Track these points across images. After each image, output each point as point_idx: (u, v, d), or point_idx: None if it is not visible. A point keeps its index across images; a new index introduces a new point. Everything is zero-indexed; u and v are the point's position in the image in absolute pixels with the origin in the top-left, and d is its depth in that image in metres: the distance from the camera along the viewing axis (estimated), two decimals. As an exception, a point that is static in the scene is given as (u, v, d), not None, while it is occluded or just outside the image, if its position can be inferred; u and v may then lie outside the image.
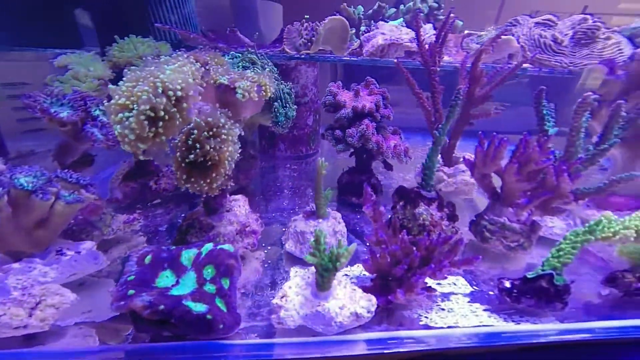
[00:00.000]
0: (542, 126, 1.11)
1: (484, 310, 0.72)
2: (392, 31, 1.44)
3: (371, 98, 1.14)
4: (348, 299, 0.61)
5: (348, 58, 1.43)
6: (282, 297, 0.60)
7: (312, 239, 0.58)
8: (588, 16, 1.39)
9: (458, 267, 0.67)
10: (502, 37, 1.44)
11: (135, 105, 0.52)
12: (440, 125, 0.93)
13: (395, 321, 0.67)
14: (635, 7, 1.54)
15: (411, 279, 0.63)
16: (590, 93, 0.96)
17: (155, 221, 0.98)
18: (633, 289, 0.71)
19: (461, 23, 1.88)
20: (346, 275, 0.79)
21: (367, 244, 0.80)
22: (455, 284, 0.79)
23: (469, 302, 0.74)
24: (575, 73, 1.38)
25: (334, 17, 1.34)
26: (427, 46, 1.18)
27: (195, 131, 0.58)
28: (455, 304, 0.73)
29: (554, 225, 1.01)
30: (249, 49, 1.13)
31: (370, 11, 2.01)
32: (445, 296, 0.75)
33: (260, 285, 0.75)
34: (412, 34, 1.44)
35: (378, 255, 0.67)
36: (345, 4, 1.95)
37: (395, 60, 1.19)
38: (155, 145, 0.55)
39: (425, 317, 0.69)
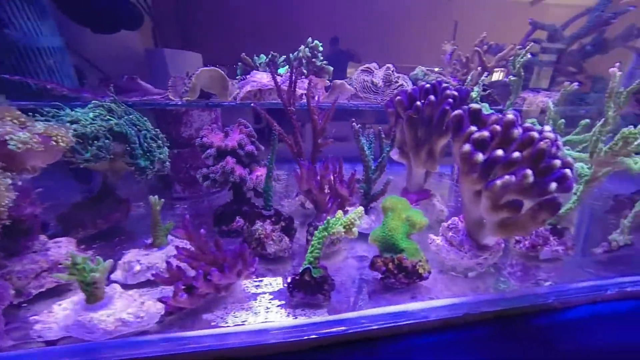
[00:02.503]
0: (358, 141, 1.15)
1: (277, 306, 0.68)
2: (262, 78, 1.39)
3: (237, 137, 1.08)
4: (122, 308, 0.56)
5: (226, 103, 1.34)
6: (47, 313, 0.55)
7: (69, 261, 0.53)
8: (390, 65, 1.52)
9: (247, 270, 0.65)
10: (338, 82, 1.51)
11: None
12: (268, 156, 0.92)
13: (188, 324, 0.62)
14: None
15: (176, 287, 0.59)
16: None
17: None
18: (382, 272, 0.72)
19: (331, 68, 1.91)
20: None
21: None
22: (271, 284, 0.77)
23: (271, 299, 0.70)
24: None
25: (206, 68, 1.24)
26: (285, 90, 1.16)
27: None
28: (258, 302, 0.69)
29: (363, 222, 1.07)
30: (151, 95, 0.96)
31: (267, 59, 1.95)
32: (257, 295, 0.73)
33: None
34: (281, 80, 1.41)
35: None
36: (244, 53, 1.86)
37: (252, 104, 1.16)
38: None
39: (221, 318, 0.64)
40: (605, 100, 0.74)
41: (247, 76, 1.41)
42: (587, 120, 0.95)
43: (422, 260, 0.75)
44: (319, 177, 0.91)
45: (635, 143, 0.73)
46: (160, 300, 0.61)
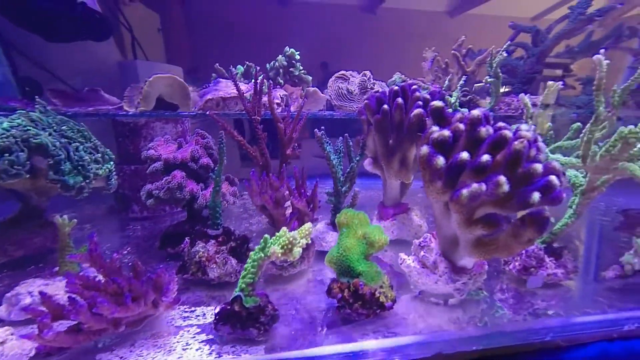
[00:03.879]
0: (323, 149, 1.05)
1: (202, 342, 0.56)
2: (227, 87, 1.32)
3: (190, 149, 0.98)
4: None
5: (185, 113, 1.26)
6: None
7: None
8: (367, 72, 1.45)
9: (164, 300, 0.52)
10: (311, 89, 1.44)
11: None
12: (216, 169, 0.81)
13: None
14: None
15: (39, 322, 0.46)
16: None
17: None
18: (338, 300, 0.60)
19: (310, 78, 1.86)
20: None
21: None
22: (204, 315, 0.65)
23: (196, 334, 0.58)
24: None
25: (161, 75, 1.17)
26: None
27: None
28: (179, 338, 0.57)
29: (331, 240, 0.95)
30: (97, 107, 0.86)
31: (243, 69, 1.91)
32: (180, 329, 0.60)
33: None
34: (248, 88, 1.33)
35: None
36: (218, 64, 1.82)
37: (208, 112, 1.07)
38: None
39: (121, 358, 0.52)
40: (594, 94, 0.64)
41: (210, 85, 1.34)
42: (579, 124, 0.85)
43: (385, 286, 0.62)
44: (273, 190, 0.80)
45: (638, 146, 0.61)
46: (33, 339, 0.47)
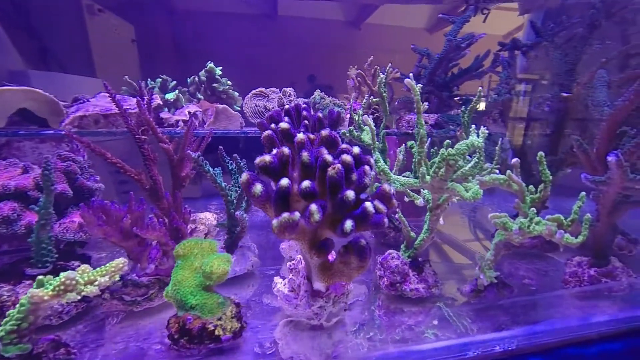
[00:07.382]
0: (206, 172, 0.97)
1: None
2: (108, 103, 1.16)
3: (34, 175, 0.82)
4: None
5: (52, 132, 1.08)
6: None
7: None
8: (289, 89, 1.45)
9: None
10: (220, 106, 1.38)
11: None
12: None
13: None
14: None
15: None
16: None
17: None
18: (168, 336, 0.55)
19: (237, 94, 1.79)
20: None
21: None
22: None
23: None
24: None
25: (9, 87, 0.99)
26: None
27: None
28: None
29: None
30: None
31: (159, 83, 1.77)
32: None
33: None
34: (132, 103, 1.19)
35: None
36: (127, 76, 1.65)
37: (65, 132, 0.91)
38: None
39: None
40: (416, 117, 0.68)
41: (91, 99, 1.18)
42: (448, 141, 0.93)
43: (225, 318, 0.57)
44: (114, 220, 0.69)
45: (467, 166, 0.66)
46: None
